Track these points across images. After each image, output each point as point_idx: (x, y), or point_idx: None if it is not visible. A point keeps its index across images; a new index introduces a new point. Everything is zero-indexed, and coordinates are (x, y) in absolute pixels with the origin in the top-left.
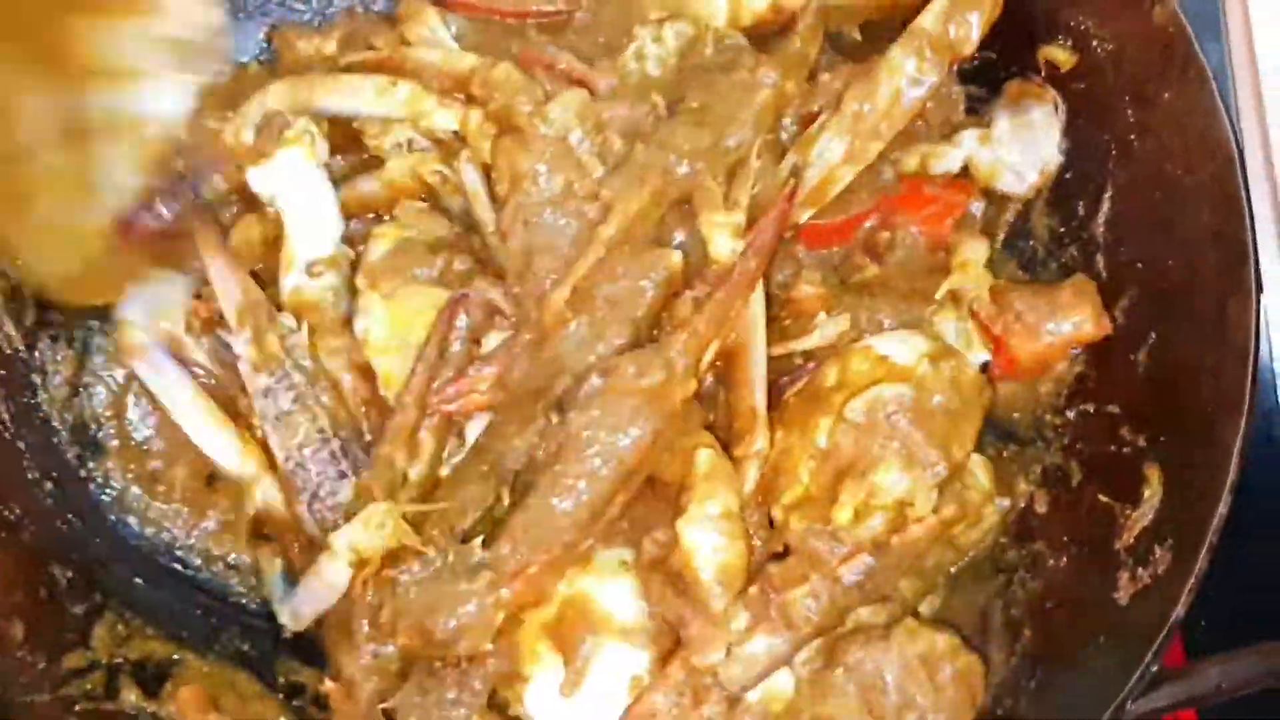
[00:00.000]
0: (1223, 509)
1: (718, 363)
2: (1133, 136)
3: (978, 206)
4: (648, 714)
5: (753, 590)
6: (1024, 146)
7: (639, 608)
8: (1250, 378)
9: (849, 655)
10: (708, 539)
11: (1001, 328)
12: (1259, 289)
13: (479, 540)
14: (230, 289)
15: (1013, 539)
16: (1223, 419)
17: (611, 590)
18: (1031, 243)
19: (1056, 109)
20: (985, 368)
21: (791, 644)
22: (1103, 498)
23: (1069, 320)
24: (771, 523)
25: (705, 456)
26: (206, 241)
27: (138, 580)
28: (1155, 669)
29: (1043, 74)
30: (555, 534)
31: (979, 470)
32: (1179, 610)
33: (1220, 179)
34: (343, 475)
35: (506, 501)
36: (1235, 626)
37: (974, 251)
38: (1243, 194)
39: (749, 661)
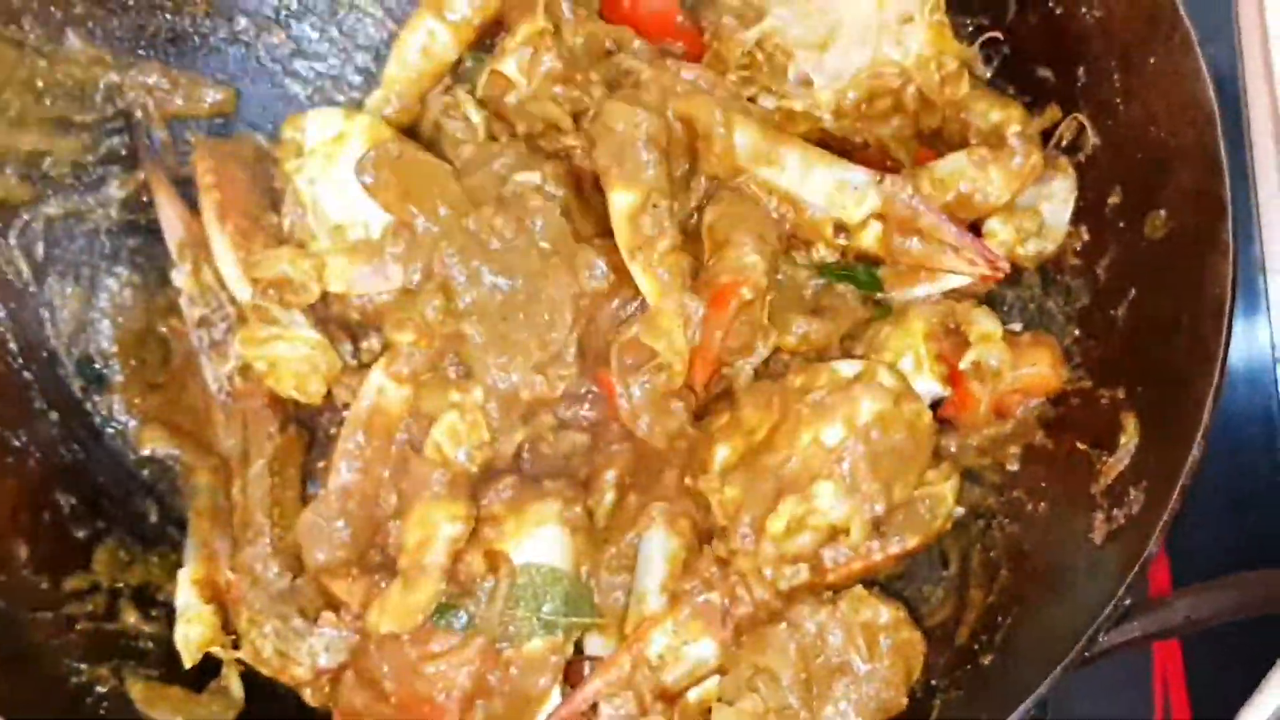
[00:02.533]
0: (1195, 453)
1: None
2: (1118, 100)
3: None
4: (589, 699)
5: (712, 598)
6: (1041, 217)
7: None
8: (1224, 332)
9: (794, 613)
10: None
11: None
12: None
13: None
14: (174, 224)
15: (991, 488)
16: (1197, 371)
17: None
18: None
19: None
20: (937, 406)
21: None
22: (1081, 445)
23: (1028, 368)
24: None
25: None
26: (156, 180)
27: (139, 509)
28: (1128, 602)
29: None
30: None
31: (949, 494)
32: (1152, 548)
33: (1202, 140)
34: None
35: None
36: (1223, 554)
37: (990, 324)
38: (1222, 155)
39: (696, 664)
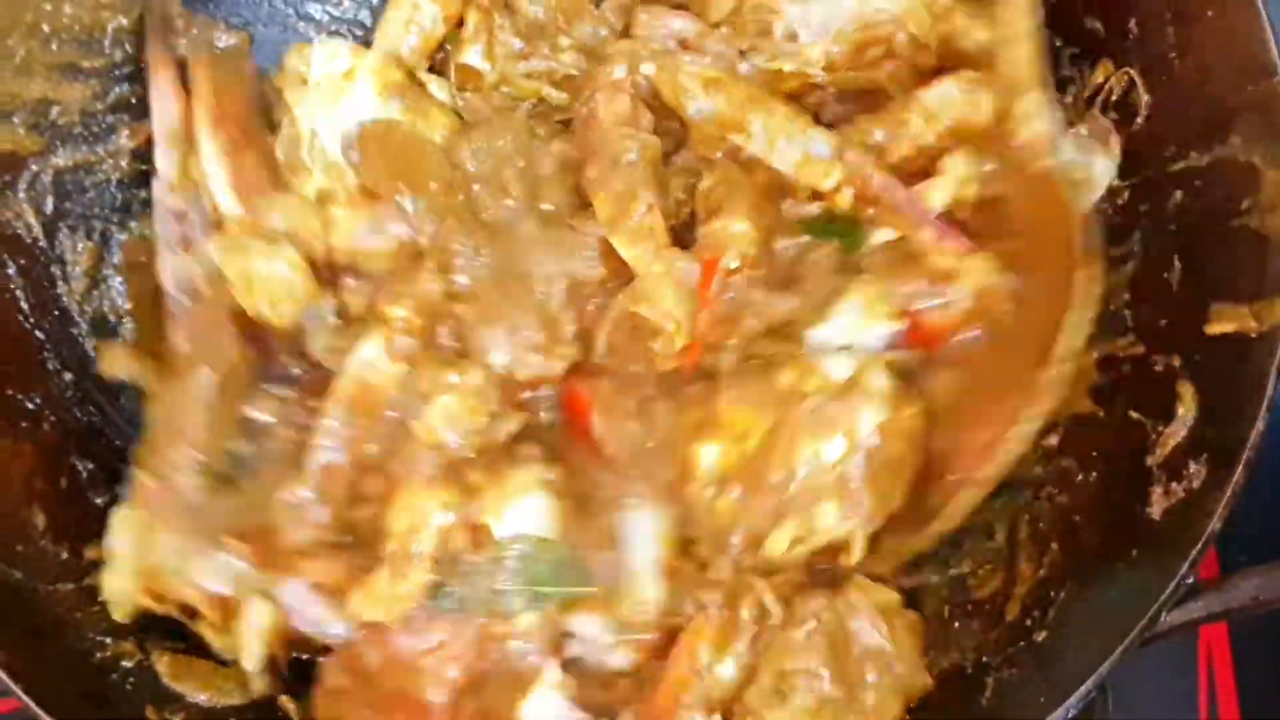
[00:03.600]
0: (1260, 425)
1: None
2: (1172, 55)
3: None
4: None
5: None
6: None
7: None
8: None
9: (809, 608)
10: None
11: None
12: None
13: None
14: (168, 109)
15: (1039, 456)
16: (1260, 339)
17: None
18: None
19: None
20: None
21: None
22: (1133, 414)
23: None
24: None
25: None
26: (157, 59)
27: None
28: (1190, 581)
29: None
30: None
31: None
32: (1215, 524)
33: (1264, 99)
34: None
35: None
36: (1271, 540)
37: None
38: None
39: (725, 686)
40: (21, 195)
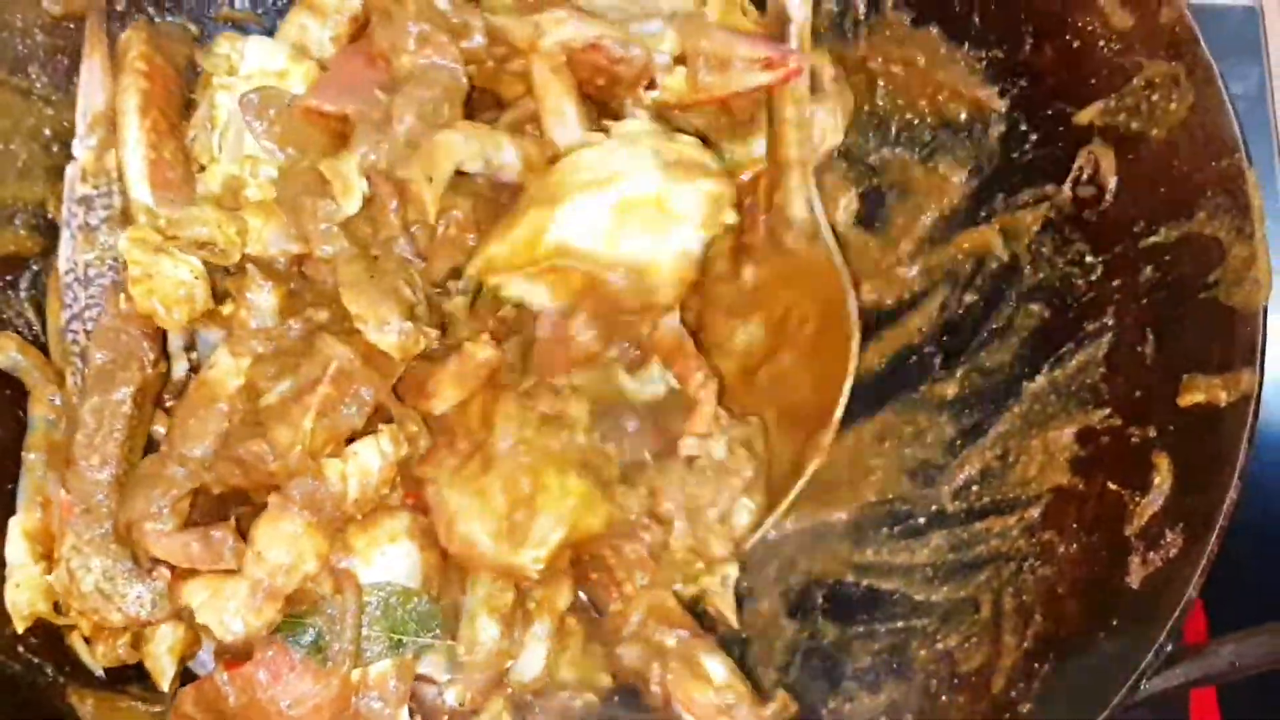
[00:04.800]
0: (1232, 494)
1: None
2: (1139, 134)
3: None
4: None
5: None
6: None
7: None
8: (1259, 369)
9: None
10: None
11: None
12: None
13: None
14: (96, 93)
15: (1022, 529)
16: (1230, 409)
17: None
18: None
19: None
20: None
21: None
22: (1112, 486)
23: None
24: None
25: None
26: (94, 38)
27: None
28: (1170, 648)
29: None
30: None
31: None
32: (1191, 591)
33: (1227, 175)
34: None
35: None
36: (1261, 603)
37: None
38: (1250, 190)
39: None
40: (24, 295)
